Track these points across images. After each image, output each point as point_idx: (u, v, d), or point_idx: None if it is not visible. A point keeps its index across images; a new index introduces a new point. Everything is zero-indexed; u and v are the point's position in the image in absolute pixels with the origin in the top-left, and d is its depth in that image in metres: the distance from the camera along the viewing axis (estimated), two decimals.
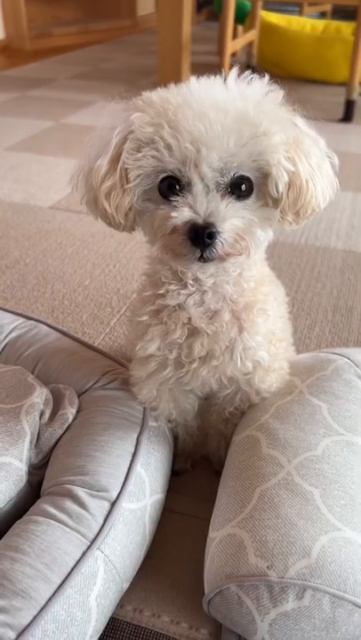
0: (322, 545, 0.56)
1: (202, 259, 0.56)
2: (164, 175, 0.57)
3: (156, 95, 0.60)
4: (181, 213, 0.55)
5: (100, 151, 0.60)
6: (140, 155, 0.57)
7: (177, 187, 0.57)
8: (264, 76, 0.62)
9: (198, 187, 0.56)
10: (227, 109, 0.55)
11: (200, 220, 0.55)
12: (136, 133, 0.57)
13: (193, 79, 0.60)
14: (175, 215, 0.55)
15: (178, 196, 0.56)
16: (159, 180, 0.58)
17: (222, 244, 0.55)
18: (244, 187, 0.57)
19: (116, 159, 0.59)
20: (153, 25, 4.75)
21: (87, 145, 0.62)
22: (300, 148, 0.59)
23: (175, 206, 0.56)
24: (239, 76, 0.60)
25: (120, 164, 0.58)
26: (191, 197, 0.56)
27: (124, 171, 0.58)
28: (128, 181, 0.58)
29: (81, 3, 4.75)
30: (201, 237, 0.54)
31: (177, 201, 0.56)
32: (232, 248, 0.57)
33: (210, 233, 0.54)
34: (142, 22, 5.07)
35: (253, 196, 0.58)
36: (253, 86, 0.60)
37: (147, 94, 0.61)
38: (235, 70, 0.60)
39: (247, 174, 0.57)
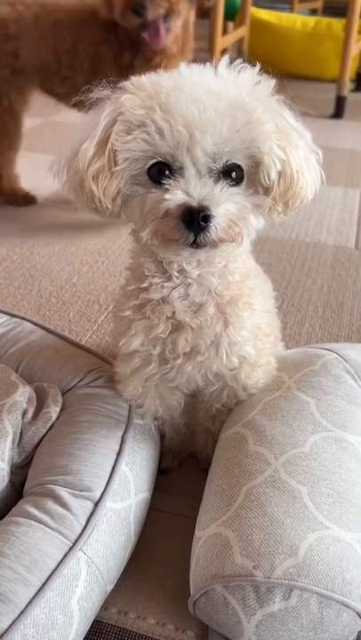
0: (309, 544, 0.55)
1: (194, 244, 0.55)
2: (154, 161, 0.56)
3: (146, 78, 0.58)
4: (175, 196, 0.54)
5: (87, 135, 0.58)
6: (130, 137, 0.55)
7: (167, 172, 0.55)
8: (254, 65, 0.60)
9: (191, 171, 0.55)
10: (220, 95, 0.54)
11: (195, 203, 0.53)
12: (126, 115, 0.56)
13: (183, 65, 0.59)
14: (169, 197, 0.53)
15: (169, 179, 0.55)
16: (149, 165, 0.56)
17: (216, 228, 0.54)
18: (234, 174, 0.56)
19: (104, 141, 0.57)
20: None
21: (73, 133, 0.61)
22: (291, 142, 0.58)
23: (167, 189, 0.54)
24: (230, 64, 0.59)
25: (109, 145, 0.57)
26: (183, 181, 0.55)
27: (113, 153, 0.57)
28: (116, 164, 0.57)
29: None
30: (196, 221, 0.53)
31: (169, 184, 0.54)
32: (225, 233, 0.55)
33: (205, 216, 0.53)
34: None
35: (244, 184, 0.57)
36: (245, 75, 0.59)
37: (136, 78, 0.59)
38: (225, 58, 0.59)
39: (239, 162, 0.56)
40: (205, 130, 0.53)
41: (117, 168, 0.57)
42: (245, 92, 0.56)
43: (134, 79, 0.59)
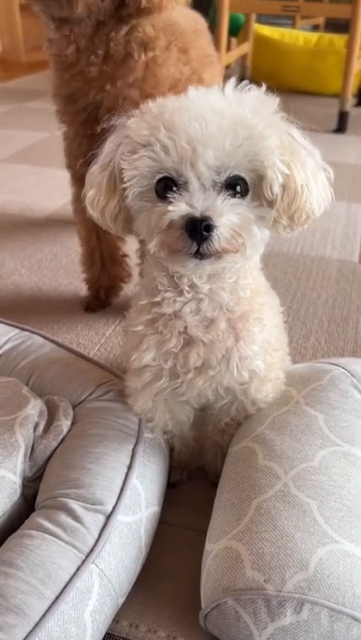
0: (319, 557, 0.56)
1: (198, 254, 0.56)
2: (160, 176, 0.58)
3: (153, 103, 0.61)
4: (179, 207, 0.55)
5: (98, 160, 0.62)
6: (136, 156, 0.58)
7: (173, 188, 0.57)
8: (260, 85, 0.62)
9: (195, 185, 0.56)
10: (223, 113, 0.57)
11: (197, 214, 0.55)
12: (132, 137, 0.58)
13: (192, 88, 0.61)
14: (173, 209, 0.55)
15: (175, 193, 0.57)
16: (155, 180, 0.58)
17: (219, 238, 0.56)
18: (239, 187, 0.58)
19: (106, 165, 0.60)
20: None
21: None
22: (297, 158, 0.59)
23: (172, 202, 0.56)
24: (236, 86, 0.61)
25: (110, 168, 0.60)
26: (188, 195, 0.56)
27: (117, 173, 0.59)
28: (122, 182, 0.59)
29: None
30: (198, 230, 0.55)
31: (174, 198, 0.56)
32: (228, 244, 0.57)
33: (207, 225, 0.55)
34: None
35: (248, 197, 0.59)
36: (249, 94, 0.61)
37: (145, 104, 0.61)
38: (232, 80, 0.61)
39: (242, 175, 0.58)
40: (208, 145, 0.55)
41: (124, 185, 0.59)
42: (248, 110, 0.58)
43: (143, 105, 0.62)
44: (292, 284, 1.34)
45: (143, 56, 0.91)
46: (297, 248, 1.50)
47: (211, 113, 0.56)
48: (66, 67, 0.93)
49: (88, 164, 0.66)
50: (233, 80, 0.62)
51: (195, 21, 1.08)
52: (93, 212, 0.61)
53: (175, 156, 0.56)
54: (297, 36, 3.12)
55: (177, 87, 0.98)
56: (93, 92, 0.93)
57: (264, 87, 0.62)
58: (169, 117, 0.57)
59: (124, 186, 0.59)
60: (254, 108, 0.59)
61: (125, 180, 0.59)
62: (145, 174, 0.58)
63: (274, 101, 0.62)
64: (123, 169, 0.59)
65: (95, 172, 0.61)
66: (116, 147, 0.60)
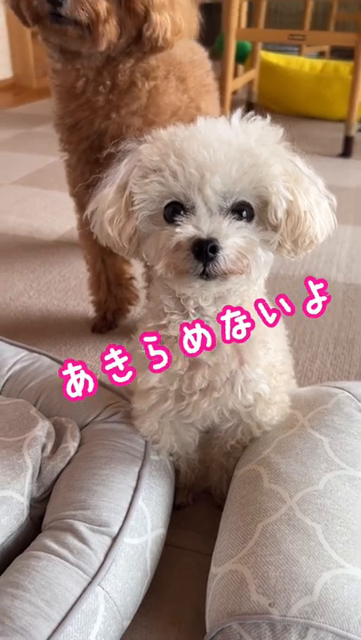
0: (324, 582, 0.56)
1: (204, 274, 0.58)
2: (168, 201, 0.60)
3: (164, 131, 0.64)
4: (186, 229, 0.57)
5: (110, 182, 0.64)
6: (146, 180, 0.60)
7: (181, 212, 0.59)
8: (265, 116, 0.65)
9: (202, 209, 0.58)
10: (230, 141, 0.59)
11: (204, 235, 0.57)
12: (144, 162, 0.61)
13: (201, 119, 0.63)
14: (180, 231, 0.57)
15: (182, 217, 0.59)
16: (164, 205, 0.60)
17: (225, 259, 0.57)
18: (244, 212, 0.60)
19: (122, 187, 0.62)
20: None
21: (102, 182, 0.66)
22: (300, 185, 0.61)
23: (179, 225, 0.58)
24: (242, 116, 0.63)
25: (126, 191, 0.61)
26: (195, 218, 0.58)
27: (130, 197, 0.61)
28: (133, 205, 0.61)
29: None
30: (204, 251, 0.56)
31: (181, 221, 0.58)
32: (234, 265, 0.58)
33: (213, 246, 0.56)
34: None
35: (254, 221, 0.61)
36: (255, 124, 0.63)
37: (157, 131, 0.64)
38: (239, 111, 0.63)
39: (248, 200, 0.60)
40: (215, 171, 0.57)
41: (134, 208, 0.61)
42: (253, 139, 0.60)
43: (154, 132, 0.64)
44: (298, 307, 1.35)
45: (147, 85, 0.94)
46: (302, 270, 1.51)
47: (218, 142, 0.59)
48: (72, 97, 0.96)
49: (88, 188, 0.68)
50: (239, 111, 0.64)
51: (192, 52, 1.11)
52: (112, 232, 0.63)
53: (184, 181, 0.58)
54: (303, 63, 3.17)
55: (177, 114, 1.00)
56: (99, 121, 0.96)
57: (269, 118, 0.65)
58: (179, 145, 0.59)
59: (134, 209, 0.61)
60: (259, 137, 0.61)
61: (135, 203, 0.61)
62: (154, 198, 0.61)
63: (278, 131, 0.64)
64: (133, 192, 0.61)
65: (110, 194, 0.63)
66: (130, 170, 0.62)
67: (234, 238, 0.58)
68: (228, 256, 0.57)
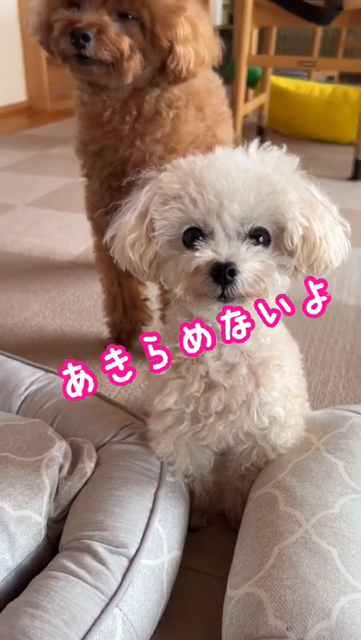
0: (341, 606, 0.56)
1: (222, 297, 0.59)
2: (188, 226, 0.62)
3: (184, 160, 0.66)
4: (205, 253, 0.59)
5: (131, 208, 0.66)
6: (166, 207, 0.62)
7: (200, 237, 0.61)
8: (280, 145, 0.67)
9: (220, 235, 0.60)
10: (248, 170, 0.61)
11: (222, 259, 0.58)
12: (164, 189, 0.63)
13: (219, 149, 0.66)
14: (199, 255, 0.59)
15: (201, 242, 0.61)
16: (183, 230, 0.62)
17: (243, 282, 0.59)
18: (262, 238, 0.62)
19: (143, 214, 0.64)
20: None
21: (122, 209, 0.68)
22: (315, 212, 0.63)
23: (198, 250, 0.60)
24: (259, 146, 0.65)
25: (147, 217, 0.64)
26: (213, 243, 0.60)
27: (151, 223, 0.63)
28: (153, 231, 0.63)
29: None
30: (223, 274, 0.58)
31: (200, 246, 0.60)
32: (252, 288, 0.60)
33: (231, 270, 0.58)
34: None
35: (270, 246, 0.63)
36: (271, 154, 0.65)
37: (176, 160, 0.67)
38: (256, 141, 0.65)
39: (265, 226, 0.62)
40: (233, 198, 0.59)
41: (154, 234, 0.63)
42: (270, 168, 0.63)
43: (174, 162, 0.66)
44: (310, 329, 1.36)
45: (170, 113, 0.97)
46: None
47: (236, 170, 0.61)
48: (98, 125, 0.98)
49: (108, 213, 0.70)
50: (256, 141, 0.66)
51: (208, 80, 1.14)
52: (133, 256, 0.65)
53: (203, 208, 0.60)
54: (312, 88, 3.23)
55: (195, 142, 1.03)
56: (123, 148, 0.98)
57: (285, 147, 0.67)
58: (198, 173, 0.61)
59: (154, 234, 0.63)
60: (276, 166, 0.63)
61: (156, 228, 0.63)
62: (174, 224, 0.63)
63: (294, 160, 0.66)
64: (153, 219, 0.63)
65: (132, 220, 0.65)
66: (151, 197, 0.64)
67: (251, 262, 0.60)
68: (245, 279, 0.59)
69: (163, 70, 0.92)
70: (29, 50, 3.98)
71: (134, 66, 0.88)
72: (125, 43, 0.86)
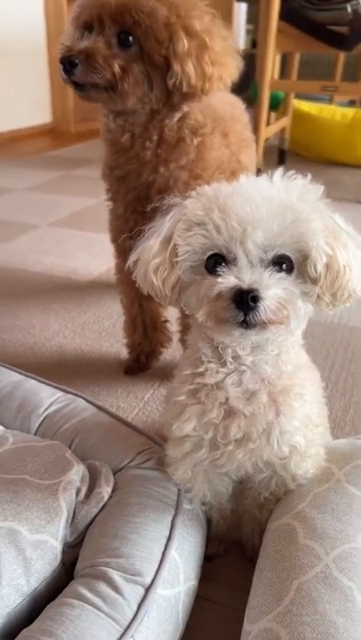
0: None
1: (244, 323, 0.59)
2: (211, 252, 0.62)
3: (208, 187, 0.66)
4: (228, 279, 0.59)
5: (155, 234, 0.66)
6: (190, 233, 0.62)
7: (222, 263, 0.61)
8: (305, 174, 0.67)
9: (243, 261, 0.60)
10: (272, 198, 0.61)
11: (245, 285, 0.58)
12: (188, 215, 0.63)
13: (243, 177, 0.66)
14: (222, 281, 0.59)
15: (224, 268, 0.61)
16: (206, 256, 0.62)
17: (265, 309, 0.58)
18: (285, 265, 0.62)
19: (167, 239, 0.65)
20: None
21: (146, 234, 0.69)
22: (339, 241, 0.63)
23: (221, 275, 0.60)
24: (284, 174, 0.66)
25: (171, 243, 0.64)
26: (236, 269, 0.60)
27: (174, 249, 0.64)
28: (176, 256, 0.63)
29: None
30: (245, 300, 0.58)
31: (223, 272, 0.60)
32: (274, 315, 0.59)
33: (254, 296, 0.58)
34: None
35: (294, 274, 0.62)
36: (296, 182, 0.65)
37: (201, 187, 0.67)
38: (280, 170, 0.66)
39: (288, 254, 0.61)
40: (257, 226, 0.59)
41: (178, 259, 0.63)
42: (295, 196, 0.63)
43: (198, 188, 0.67)
44: (331, 353, 1.35)
45: (195, 140, 0.98)
46: (335, 317, 1.51)
47: (261, 198, 0.61)
48: (121, 151, 1.00)
49: (132, 238, 0.71)
50: (281, 169, 0.66)
51: (232, 106, 1.15)
52: (156, 280, 0.65)
53: (226, 234, 0.60)
54: (334, 112, 3.24)
55: (221, 168, 1.04)
56: (146, 174, 0.99)
57: (309, 176, 0.67)
58: (223, 200, 0.62)
59: (177, 259, 0.63)
60: (301, 194, 0.63)
61: (179, 254, 0.63)
62: (197, 250, 0.63)
63: (318, 189, 0.66)
64: (177, 244, 0.63)
65: (156, 245, 0.65)
66: (175, 223, 0.65)
67: (274, 289, 0.60)
68: (268, 306, 0.59)
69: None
70: (55, 72, 4.08)
71: (133, 86, 0.88)
72: (115, 65, 0.87)
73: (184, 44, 0.86)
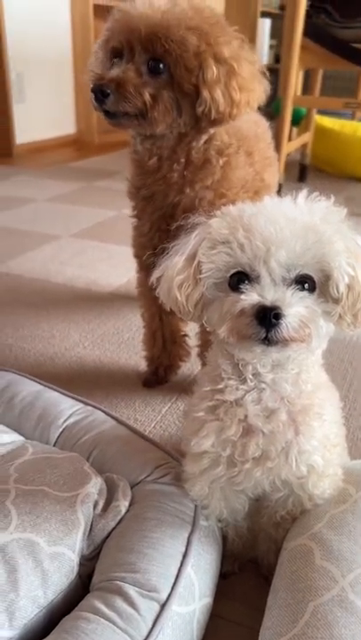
0: None
1: (266, 340, 0.60)
2: (234, 270, 0.63)
3: (233, 207, 0.68)
4: (251, 297, 0.60)
5: (180, 251, 0.67)
6: (214, 252, 0.64)
7: (245, 281, 0.62)
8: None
9: (266, 279, 0.61)
10: (295, 219, 0.62)
11: (268, 303, 0.59)
12: (213, 234, 0.64)
13: (267, 197, 0.67)
14: (245, 298, 0.60)
15: (247, 285, 0.62)
16: (230, 274, 0.63)
17: (287, 326, 0.59)
18: (307, 284, 0.62)
19: (192, 256, 0.66)
20: None
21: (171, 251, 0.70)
22: (359, 260, 0.63)
23: (244, 293, 0.61)
24: (307, 196, 0.66)
25: (196, 260, 0.65)
26: (259, 287, 0.61)
27: (198, 266, 0.65)
28: (200, 273, 0.65)
29: None
30: (268, 317, 0.59)
31: (246, 289, 0.61)
32: (296, 333, 0.60)
33: (276, 314, 0.59)
34: None
35: (316, 293, 0.63)
36: (319, 204, 0.66)
37: (225, 207, 0.68)
38: (304, 192, 0.66)
39: (311, 273, 0.62)
40: (280, 246, 0.60)
41: (201, 276, 0.65)
42: (318, 217, 0.63)
43: (223, 208, 0.68)
44: (349, 372, 1.34)
45: (220, 161, 0.99)
46: (353, 336, 1.51)
47: (284, 219, 0.62)
48: (148, 172, 1.01)
49: (156, 255, 0.72)
50: (305, 191, 0.67)
51: (256, 125, 1.16)
52: (180, 297, 0.66)
53: (250, 253, 0.61)
54: (356, 128, 3.24)
55: (245, 187, 1.05)
56: (173, 195, 1.00)
57: (333, 199, 0.68)
58: (247, 220, 0.63)
59: (201, 276, 0.64)
60: (324, 216, 0.64)
61: (203, 271, 0.64)
62: (220, 268, 0.64)
63: (341, 211, 0.67)
64: (201, 262, 0.64)
65: (180, 262, 0.66)
66: (200, 241, 0.66)
67: (297, 307, 0.60)
68: (290, 324, 0.60)
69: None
70: (80, 85, 4.15)
71: (162, 114, 0.90)
72: (145, 94, 0.88)
73: (213, 71, 0.88)
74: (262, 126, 1.17)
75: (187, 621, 0.64)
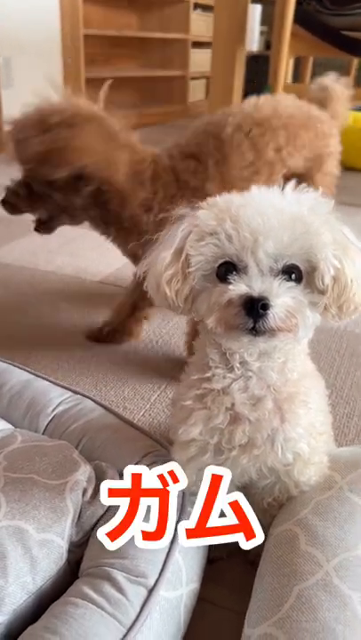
0: None
1: (254, 330, 0.60)
2: (222, 261, 0.63)
3: (220, 198, 0.67)
4: (238, 287, 0.61)
5: (166, 245, 0.67)
6: (202, 243, 0.64)
7: (233, 272, 0.62)
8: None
9: (254, 270, 0.62)
10: (283, 210, 0.63)
11: (255, 293, 0.60)
12: (200, 226, 0.64)
13: (254, 188, 0.67)
14: (232, 288, 0.61)
15: (235, 276, 0.62)
16: (217, 264, 0.64)
17: (274, 316, 0.60)
18: (294, 275, 0.63)
19: (180, 250, 0.66)
20: (202, 110, 5.05)
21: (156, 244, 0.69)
22: (348, 254, 0.64)
23: (232, 283, 0.61)
24: (295, 187, 0.67)
25: (184, 254, 0.65)
26: (247, 278, 0.62)
27: (186, 259, 0.65)
28: (189, 267, 0.65)
29: (137, 89, 5.11)
30: (255, 307, 0.59)
31: (234, 280, 0.62)
32: (283, 323, 0.61)
33: (264, 304, 0.59)
34: (193, 108, 5.39)
35: (302, 284, 0.64)
36: (307, 195, 0.66)
37: (212, 198, 0.68)
38: (292, 183, 0.67)
39: (297, 264, 0.63)
40: (268, 236, 0.61)
41: (190, 269, 0.65)
42: (306, 208, 0.64)
43: (210, 199, 0.68)
44: (336, 360, 1.35)
45: None
46: (341, 325, 1.51)
47: (272, 209, 0.62)
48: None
49: (142, 246, 0.72)
50: (293, 182, 0.67)
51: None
52: (170, 292, 0.66)
53: (238, 244, 0.62)
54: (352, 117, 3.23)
55: None
56: None
57: (320, 190, 0.68)
58: (235, 211, 0.63)
59: (190, 270, 0.65)
60: (311, 207, 0.64)
61: (191, 264, 0.65)
62: (208, 259, 0.64)
63: (329, 202, 0.67)
64: (189, 255, 0.64)
65: (168, 257, 0.66)
66: (187, 234, 0.66)
67: (284, 298, 0.61)
68: (277, 314, 0.60)
69: None
70: (69, 69, 4.10)
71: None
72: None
73: None
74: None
75: (174, 606, 0.65)
